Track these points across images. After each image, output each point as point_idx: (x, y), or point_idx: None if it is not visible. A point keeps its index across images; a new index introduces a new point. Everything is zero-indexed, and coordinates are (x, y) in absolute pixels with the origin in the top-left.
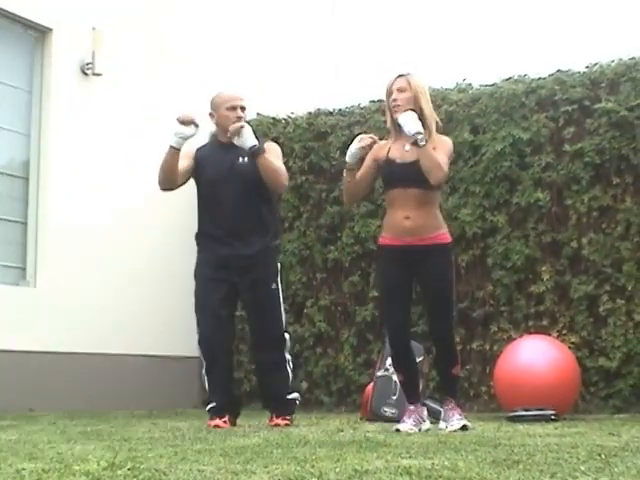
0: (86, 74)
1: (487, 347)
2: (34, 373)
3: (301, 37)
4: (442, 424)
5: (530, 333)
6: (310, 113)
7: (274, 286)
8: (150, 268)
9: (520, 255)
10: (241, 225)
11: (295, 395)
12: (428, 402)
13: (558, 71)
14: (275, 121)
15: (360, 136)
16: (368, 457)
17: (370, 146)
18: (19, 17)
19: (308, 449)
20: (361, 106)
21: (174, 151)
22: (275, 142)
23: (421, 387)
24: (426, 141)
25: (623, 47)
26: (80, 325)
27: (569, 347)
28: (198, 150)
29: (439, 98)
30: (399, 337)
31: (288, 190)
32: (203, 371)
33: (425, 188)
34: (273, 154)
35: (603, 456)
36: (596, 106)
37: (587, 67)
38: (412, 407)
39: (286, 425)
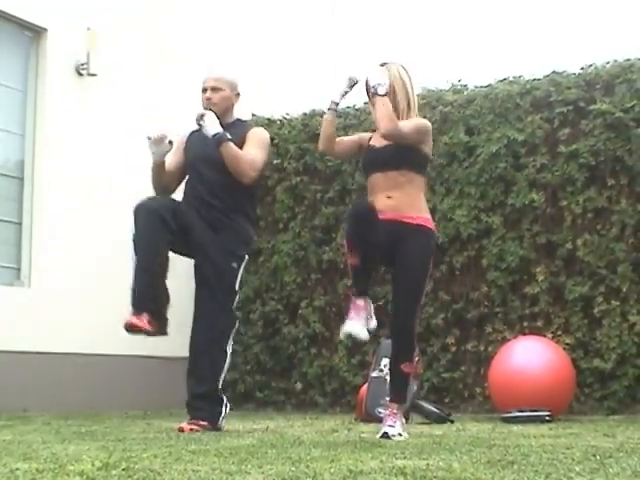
0: (81, 74)
1: (482, 348)
2: (28, 373)
3: (301, 37)
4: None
5: (525, 334)
6: (305, 114)
7: (234, 265)
8: None
9: (515, 256)
10: (214, 204)
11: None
12: (422, 403)
13: (553, 72)
14: (270, 122)
15: (350, 74)
16: (363, 458)
17: (354, 81)
18: (14, 17)
19: (303, 449)
20: (356, 107)
21: (154, 166)
22: (270, 143)
23: (415, 388)
24: (386, 93)
25: (618, 49)
26: (74, 325)
27: (564, 348)
28: (190, 134)
29: (434, 99)
30: (362, 213)
31: (283, 191)
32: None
33: (404, 169)
34: (252, 142)
35: (598, 457)
36: (591, 107)
37: (582, 68)
38: (360, 302)
39: (193, 431)
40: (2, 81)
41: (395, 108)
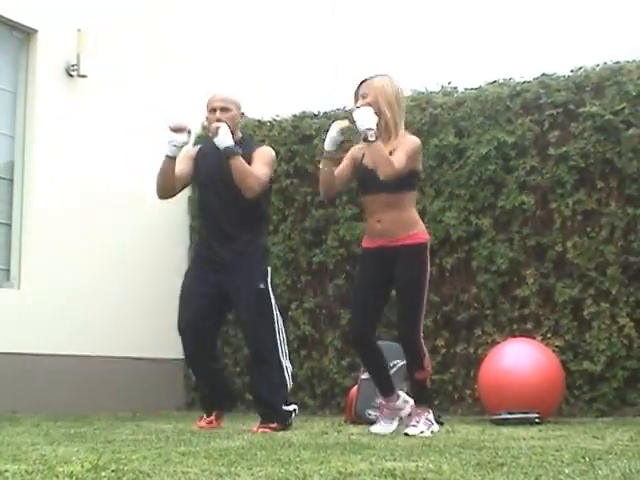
0: (71, 76)
1: (471, 350)
2: (18, 375)
3: (301, 37)
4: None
5: (514, 336)
6: (295, 116)
7: (262, 286)
8: (135, 271)
9: (505, 258)
10: (226, 226)
11: (293, 407)
12: None
13: (543, 75)
14: (260, 124)
15: (337, 122)
16: (352, 459)
17: (348, 130)
18: (4, 18)
19: (292, 451)
20: (347, 109)
21: (169, 160)
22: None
23: (405, 390)
24: (376, 137)
25: (608, 51)
26: (64, 327)
27: (553, 350)
28: (200, 149)
29: (424, 101)
30: (358, 337)
31: (273, 193)
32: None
33: (393, 192)
34: (260, 159)
35: (587, 459)
36: (581, 110)
37: (572, 71)
38: (383, 401)
39: (265, 431)
40: None
41: (385, 128)
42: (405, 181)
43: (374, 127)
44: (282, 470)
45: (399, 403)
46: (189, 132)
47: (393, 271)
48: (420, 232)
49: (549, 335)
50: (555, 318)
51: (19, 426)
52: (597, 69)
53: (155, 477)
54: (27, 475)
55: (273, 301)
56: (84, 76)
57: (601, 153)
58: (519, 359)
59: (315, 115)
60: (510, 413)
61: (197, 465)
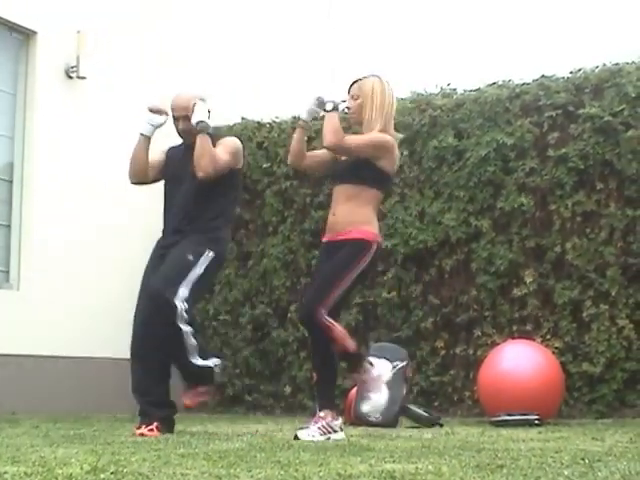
0: (70, 77)
1: (471, 352)
2: (17, 376)
3: (298, 39)
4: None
5: (514, 338)
6: (294, 117)
7: (190, 257)
8: (134, 272)
9: (504, 260)
10: (183, 223)
11: (207, 363)
12: (411, 407)
13: (542, 76)
14: (260, 125)
15: (318, 93)
16: (352, 461)
17: (325, 105)
18: (4, 20)
19: (292, 453)
20: (345, 111)
21: (143, 138)
22: (259, 146)
23: (404, 391)
24: (334, 109)
25: (607, 53)
26: (63, 328)
27: (553, 352)
28: (170, 149)
29: (423, 103)
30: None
31: (272, 194)
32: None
33: (353, 183)
34: (222, 145)
35: (587, 461)
36: (580, 111)
37: (571, 73)
38: (322, 413)
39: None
40: None
41: (360, 122)
42: (367, 174)
43: (335, 100)
44: (281, 472)
45: (336, 424)
46: (167, 114)
47: None
48: (368, 230)
49: (548, 336)
50: (554, 319)
51: (18, 427)
52: (596, 71)
53: (154, 479)
54: (26, 477)
55: (193, 274)
56: (83, 78)
57: (600, 154)
58: (518, 361)
59: (314, 117)
60: (509, 415)
61: (196, 467)
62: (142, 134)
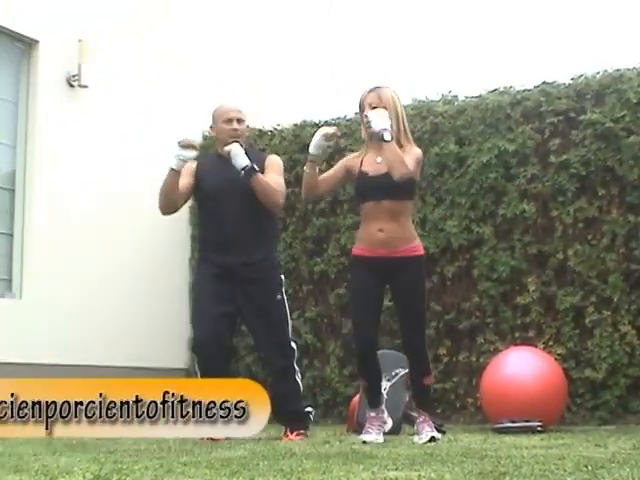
0: (72, 86)
1: (473, 359)
2: None
3: (298, 42)
4: (415, 437)
5: (516, 344)
6: (296, 125)
7: (279, 297)
8: (137, 282)
9: (506, 266)
10: (242, 237)
11: (310, 408)
12: (413, 413)
13: (543, 83)
14: (261, 133)
15: (323, 128)
16: (354, 469)
17: (333, 136)
18: (5, 29)
19: (294, 461)
20: (347, 118)
21: (174, 173)
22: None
23: (407, 399)
24: (392, 137)
25: (608, 59)
26: (66, 337)
27: (555, 358)
28: (199, 164)
29: (425, 110)
30: (366, 347)
31: None
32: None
33: (397, 199)
34: (273, 169)
35: (590, 468)
36: (581, 118)
37: (572, 79)
38: (373, 413)
39: (300, 439)
40: None
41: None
42: (408, 189)
43: (389, 128)
44: None
45: (385, 416)
46: (197, 149)
47: (391, 283)
48: (419, 244)
49: (551, 343)
50: (557, 326)
51: (21, 436)
52: (597, 77)
53: None
54: None
55: (287, 311)
56: (85, 86)
57: (602, 161)
58: (521, 367)
59: (316, 124)
60: (512, 421)
61: (199, 475)
62: (172, 169)
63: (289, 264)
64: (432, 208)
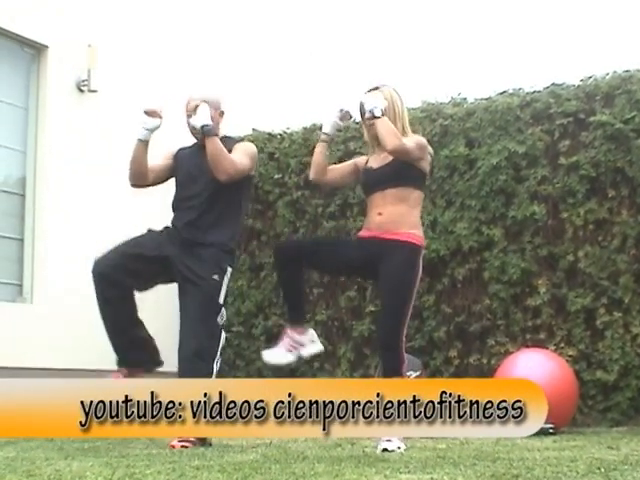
0: (82, 91)
1: (484, 361)
2: None
3: (309, 45)
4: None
5: (527, 347)
6: (305, 128)
7: (215, 277)
8: None
9: (516, 269)
10: (199, 221)
11: None
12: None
13: (553, 84)
14: (271, 136)
15: (338, 106)
16: (367, 472)
17: (347, 115)
18: (15, 35)
19: (306, 464)
20: (356, 121)
21: (139, 143)
22: (271, 157)
23: None
24: (383, 114)
25: (617, 60)
26: (77, 341)
27: (566, 360)
28: (179, 150)
29: (434, 112)
30: (291, 253)
31: (284, 205)
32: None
33: (402, 185)
34: (239, 149)
35: (602, 470)
36: (591, 119)
37: (582, 80)
38: (289, 329)
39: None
40: (3, 98)
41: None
42: (412, 175)
43: (380, 104)
44: None
45: (306, 338)
46: (161, 117)
47: (379, 267)
48: (417, 235)
49: (562, 345)
50: (568, 328)
51: (33, 441)
52: (607, 78)
53: None
54: None
55: (219, 297)
56: (94, 91)
57: (612, 162)
58: (532, 369)
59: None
60: None
61: (211, 479)
62: (138, 139)
63: None
64: (442, 210)
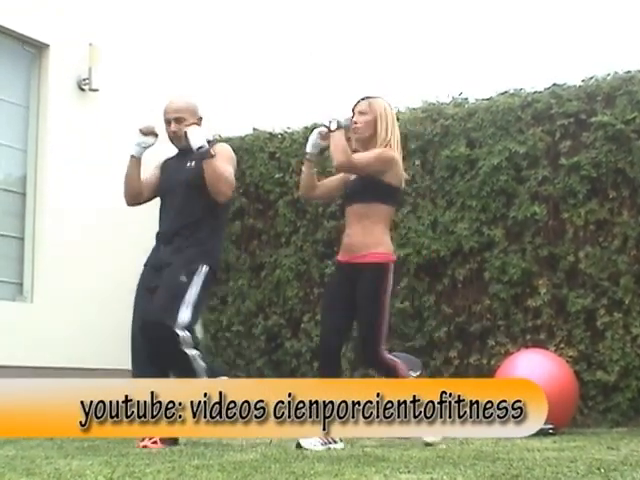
0: (83, 90)
1: (484, 361)
2: None
3: (310, 45)
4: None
5: (527, 347)
6: (306, 128)
7: (183, 279)
8: None
9: (517, 269)
10: (180, 231)
11: None
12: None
13: (554, 85)
14: (271, 136)
15: (319, 127)
16: (366, 472)
17: (328, 136)
18: (16, 33)
19: (306, 464)
20: (350, 126)
21: (135, 160)
22: (272, 157)
23: None
24: (338, 128)
25: (618, 60)
26: (77, 340)
27: (567, 361)
28: (165, 160)
29: (435, 112)
30: (328, 342)
31: (284, 205)
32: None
33: (364, 202)
34: (222, 157)
35: (602, 470)
36: (592, 120)
37: (583, 81)
38: None
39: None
40: (4, 97)
41: (371, 140)
42: (376, 191)
43: (336, 119)
44: None
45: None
46: (156, 135)
47: (355, 288)
48: (382, 252)
49: (562, 345)
50: (568, 328)
51: (32, 440)
52: (608, 79)
53: None
54: None
55: (189, 297)
56: (96, 90)
57: (613, 163)
58: (532, 370)
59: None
60: None
61: (211, 478)
62: (133, 156)
63: (300, 267)
64: (443, 211)
